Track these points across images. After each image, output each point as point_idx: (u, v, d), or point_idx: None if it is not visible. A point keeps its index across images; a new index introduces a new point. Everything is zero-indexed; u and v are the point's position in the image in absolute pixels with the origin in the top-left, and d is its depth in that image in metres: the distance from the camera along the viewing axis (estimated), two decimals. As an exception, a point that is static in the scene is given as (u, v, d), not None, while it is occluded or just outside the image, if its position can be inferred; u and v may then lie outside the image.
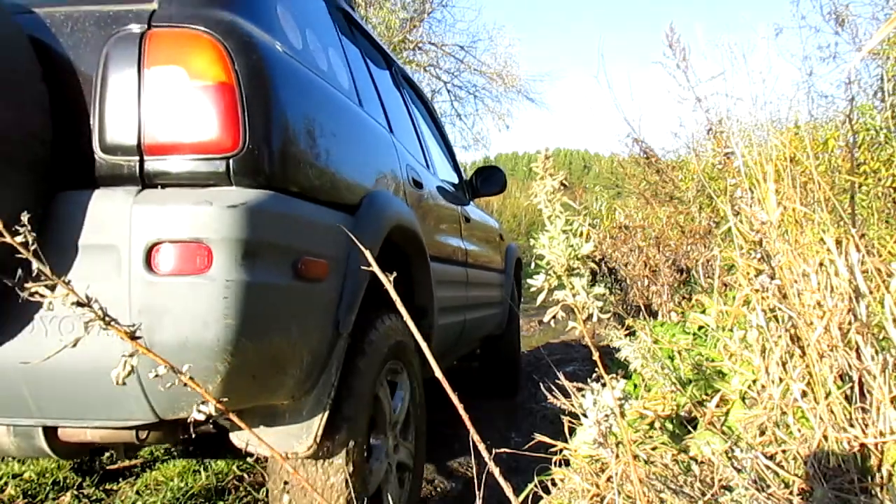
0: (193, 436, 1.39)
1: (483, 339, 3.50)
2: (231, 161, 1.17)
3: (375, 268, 0.90)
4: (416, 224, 1.96)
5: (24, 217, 0.68)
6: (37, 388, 1.07)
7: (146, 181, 1.16)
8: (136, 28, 1.19)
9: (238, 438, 1.39)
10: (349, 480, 1.42)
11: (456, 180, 3.27)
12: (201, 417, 0.76)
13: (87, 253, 1.12)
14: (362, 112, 1.90)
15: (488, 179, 3.28)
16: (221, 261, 1.10)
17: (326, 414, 1.38)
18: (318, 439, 1.36)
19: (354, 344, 1.52)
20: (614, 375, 1.03)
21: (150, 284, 1.09)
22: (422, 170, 2.43)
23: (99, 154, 1.16)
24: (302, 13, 1.75)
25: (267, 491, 2.12)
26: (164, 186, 1.17)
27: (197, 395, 1.02)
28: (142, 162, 1.16)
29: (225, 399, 0.76)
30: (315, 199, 1.39)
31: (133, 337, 0.75)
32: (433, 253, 2.15)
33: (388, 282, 0.89)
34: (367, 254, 0.89)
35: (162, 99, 1.16)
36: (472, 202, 3.30)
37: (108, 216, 1.13)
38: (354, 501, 1.44)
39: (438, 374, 0.93)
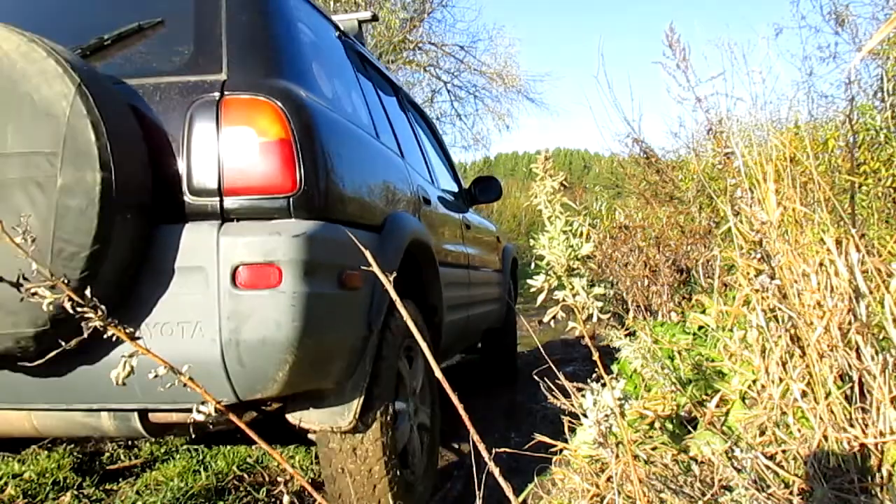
0: (256, 415, 1.77)
1: (484, 332, 3.86)
2: (291, 199, 1.49)
3: (376, 268, 0.93)
4: (428, 236, 2.28)
5: (24, 218, 0.69)
6: (142, 379, 1.24)
7: (225, 216, 1.48)
8: (212, 96, 1.50)
9: (293, 417, 1.69)
10: (384, 446, 1.74)
11: (456, 189, 3.58)
12: (201, 418, 0.77)
13: (181, 273, 1.44)
14: (381, 145, 2.24)
15: (485, 188, 3.61)
16: (289, 278, 1.41)
17: (363, 395, 1.68)
18: (356, 416, 1.66)
19: (381, 333, 1.79)
20: (614, 375, 1.03)
21: (235, 297, 1.41)
22: (428, 186, 2.76)
23: (188, 195, 1.48)
24: (329, 63, 2.13)
25: (267, 491, 2.12)
26: (238, 220, 1.48)
27: (275, 382, 1.42)
28: (221, 201, 1.48)
29: (224, 400, 0.81)
30: (350, 223, 1.67)
31: (133, 338, 0.75)
32: (441, 259, 2.44)
33: (388, 282, 0.90)
34: (369, 256, 0.96)
35: (236, 152, 1.48)
36: (470, 209, 3.63)
37: (198, 244, 1.44)
38: (389, 464, 1.75)
39: (438, 374, 0.93)
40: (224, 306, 1.40)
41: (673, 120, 10.44)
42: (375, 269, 0.92)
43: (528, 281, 0.99)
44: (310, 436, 1.79)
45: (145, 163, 1.45)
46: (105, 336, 0.77)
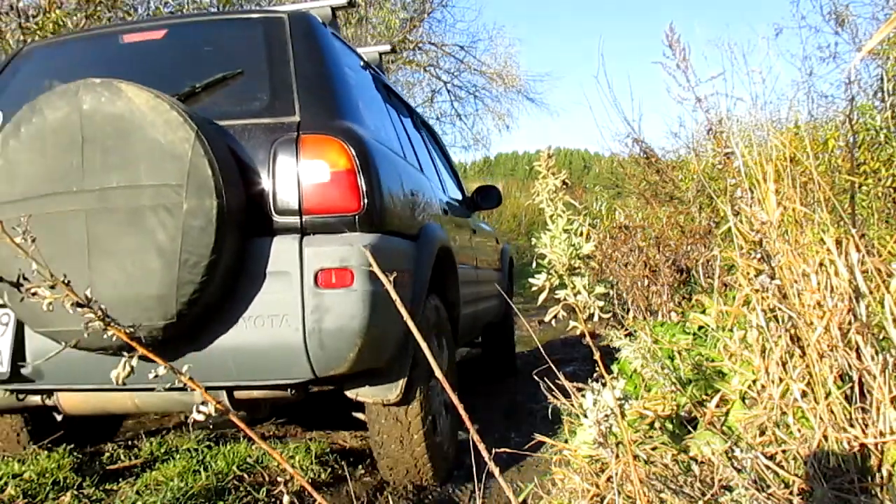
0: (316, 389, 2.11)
1: (486, 326, 4.15)
2: (356, 217, 1.87)
3: (376, 268, 0.93)
4: (449, 242, 2.64)
5: (24, 218, 0.69)
6: (238, 360, 1.75)
7: (304, 230, 1.84)
8: (290, 135, 1.88)
9: (351, 392, 2.03)
10: (422, 416, 2.12)
11: (461, 197, 3.92)
12: (201, 418, 0.77)
13: (271, 276, 1.79)
14: (409, 166, 2.61)
15: (486, 196, 3.96)
16: (360, 279, 1.77)
17: (407, 375, 2.02)
18: (402, 391, 2.01)
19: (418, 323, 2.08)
20: (614, 375, 1.03)
21: (318, 294, 1.77)
22: (445, 198, 3.20)
23: (274, 215, 1.85)
24: (367, 97, 2.49)
25: (267, 491, 2.12)
26: (314, 233, 1.84)
27: (346, 362, 1.79)
28: (301, 219, 1.85)
29: (223, 401, 0.83)
30: (397, 234, 2.08)
31: (132, 338, 0.75)
32: (458, 260, 2.77)
33: (388, 283, 0.90)
34: (370, 256, 0.93)
35: (312, 180, 1.85)
36: (472, 215, 4.01)
37: (283, 253, 1.80)
38: (425, 430, 2.14)
39: (438, 374, 0.93)
40: (308, 303, 1.76)
41: (673, 120, 10.45)
42: (375, 269, 0.93)
43: (530, 280, 0.98)
44: (355, 414, 2.28)
45: (242, 189, 1.81)
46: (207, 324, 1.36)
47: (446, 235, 2.63)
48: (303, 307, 1.74)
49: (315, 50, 2.12)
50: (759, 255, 1.46)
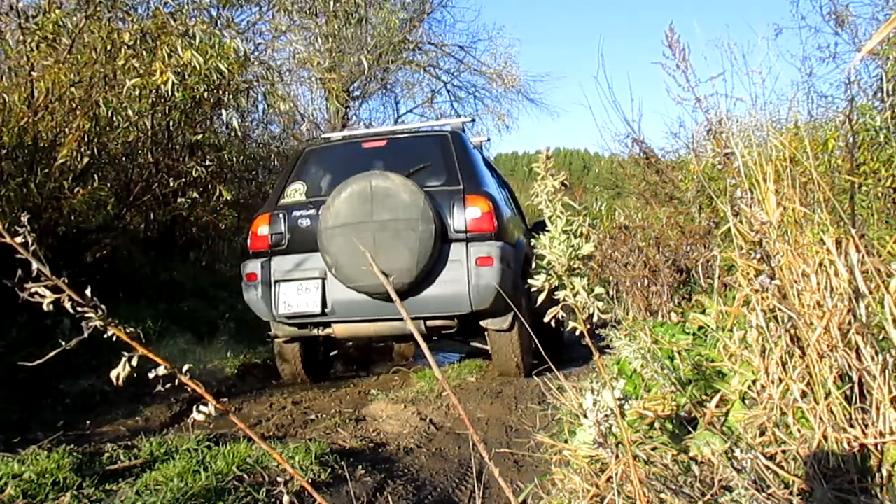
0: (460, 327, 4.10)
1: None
2: (493, 234, 3.99)
3: (377, 269, 0.92)
4: (529, 249, 4.56)
5: (24, 218, 0.69)
6: (434, 303, 3.88)
7: (468, 240, 3.96)
8: (460, 195, 4.04)
9: (483, 322, 4.07)
10: (521, 338, 4.12)
11: (524, 225, 5.69)
12: (201, 418, 0.77)
13: (452, 262, 3.93)
14: (509, 209, 4.75)
15: (537, 225, 5.54)
16: (496, 262, 3.89)
17: (514, 314, 3.94)
18: (511, 323, 4.04)
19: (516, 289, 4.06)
20: (614, 375, 1.03)
21: (476, 269, 3.87)
22: (522, 226, 5.24)
23: (453, 233, 3.98)
24: (488, 172, 4.66)
25: (267, 491, 2.12)
26: (473, 241, 3.95)
27: (488, 303, 3.93)
28: (466, 234, 3.99)
29: (223, 400, 0.83)
30: (508, 243, 4.11)
31: (133, 338, 0.75)
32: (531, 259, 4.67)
33: (387, 283, 0.90)
34: (370, 257, 0.93)
35: (472, 216, 4.00)
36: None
37: (458, 251, 3.93)
38: (522, 345, 4.14)
39: (438, 374, 0.93)
40: (471, 273, 3.82)
41: (673, 120, 10.46)
42: (376, 270, 0.93)
43: (529, 281, 0.98)
44: (473, 343, 4.80)
45: (441, 221, 3.90)
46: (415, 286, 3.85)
47: (526, 245, 4.53)
48: (468, 275, 3.80)
49: (465, 150, 4.29)
50: (758, 256, 1.46)
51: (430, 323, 3.92)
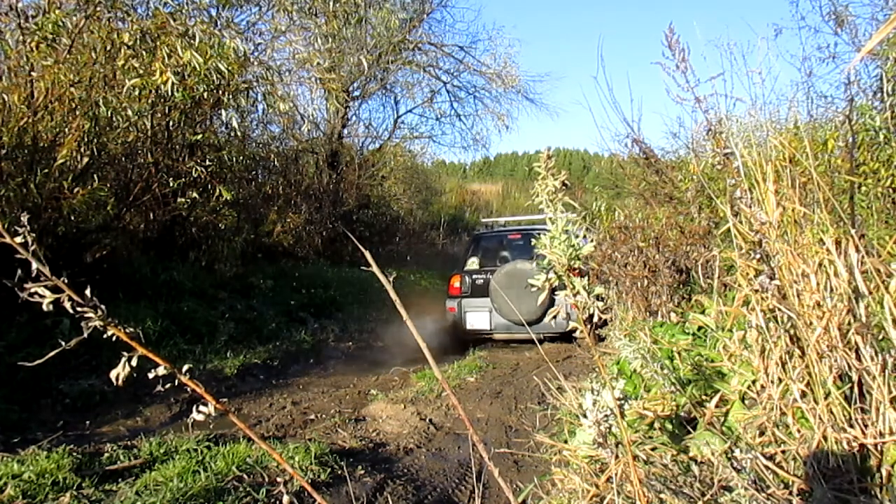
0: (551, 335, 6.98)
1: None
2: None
3: (376, 269, 0.93)
4: None
5: (23, 218, 0.69)
6: (548, 328, 6.75)
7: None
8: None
9: (565, 336, 7.00)
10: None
11: None
12: (201, 418, 0.77)
13: (556, 305, 3.78)
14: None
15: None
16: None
17: (545, 308, 6.64)
18: (543, 315, 6.68)
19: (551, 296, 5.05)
20: (614, 375, 1.03)
21: (569, 308, 3.63)
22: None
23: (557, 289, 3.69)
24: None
25: (267, 491, 2.12)
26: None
27: (567, 328, 2.36)
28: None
29: (222, 400, 0.83)
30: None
31: (132, 338, 0.75)
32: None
33: (388, 283, 0.91)
34: (369, 256, 0.93)
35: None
36: None
37: (560, 299, 4.47)
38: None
39: (438, 374, 0.93)
40: (567, 310, 3.38)
41: (672, 120, 10.47)
42: (376, 269, 0.93)
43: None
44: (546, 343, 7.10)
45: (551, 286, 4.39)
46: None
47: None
48: (567, 312, 3.53)
49: None
50: (758, 256, 1.46)
51: (544, 336, 6.87)
